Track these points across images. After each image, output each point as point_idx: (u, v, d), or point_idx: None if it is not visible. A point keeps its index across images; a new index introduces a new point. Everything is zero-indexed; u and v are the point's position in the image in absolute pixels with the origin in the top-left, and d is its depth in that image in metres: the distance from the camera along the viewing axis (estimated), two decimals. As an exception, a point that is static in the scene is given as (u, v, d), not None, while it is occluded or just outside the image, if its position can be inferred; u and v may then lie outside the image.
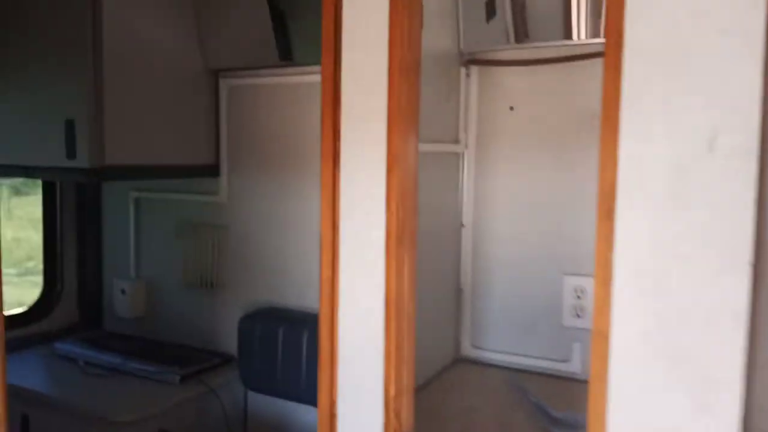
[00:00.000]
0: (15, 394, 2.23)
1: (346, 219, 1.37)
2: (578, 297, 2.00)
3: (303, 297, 2.32)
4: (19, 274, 2.76)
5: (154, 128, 2.23)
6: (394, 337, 1.30)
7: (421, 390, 1.79)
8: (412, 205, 1.33)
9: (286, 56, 2.28)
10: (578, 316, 2.01)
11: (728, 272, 0.87)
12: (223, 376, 2.34)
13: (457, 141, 2.11)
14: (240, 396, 2.40)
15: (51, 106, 2.10)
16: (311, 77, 2.16)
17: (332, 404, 1.37)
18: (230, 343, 2.42)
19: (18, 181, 2.72)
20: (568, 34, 1.83)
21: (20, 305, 2.69)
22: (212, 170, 2.48)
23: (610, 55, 0.95)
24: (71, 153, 2.05)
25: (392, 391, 1.31)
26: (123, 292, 2.70)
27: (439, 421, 1.83)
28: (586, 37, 1.81)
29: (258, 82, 2.41)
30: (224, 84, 2.46)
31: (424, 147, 1.92)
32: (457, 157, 2.14)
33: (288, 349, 2.21)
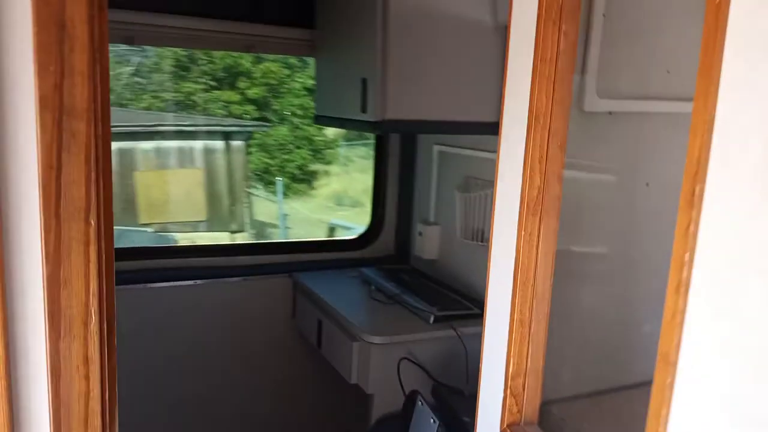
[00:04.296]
0: (316, 302, 2.79)
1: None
2: None
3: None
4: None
5: (438, 87, 2.40)
6: (518, 310, 1.22)
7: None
8: (556, 171, 1.20)
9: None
10: None
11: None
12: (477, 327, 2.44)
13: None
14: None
15: (354, 68, 2.47)
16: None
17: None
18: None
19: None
20: None
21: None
22: (494, 128, 2.52)
23: None
24: (363, 107, 2.39)
25: (511, 370, 1.24)
26: (420, 234, 3.02)
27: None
28: None
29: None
30: (514, 41, 2.45)
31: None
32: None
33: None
